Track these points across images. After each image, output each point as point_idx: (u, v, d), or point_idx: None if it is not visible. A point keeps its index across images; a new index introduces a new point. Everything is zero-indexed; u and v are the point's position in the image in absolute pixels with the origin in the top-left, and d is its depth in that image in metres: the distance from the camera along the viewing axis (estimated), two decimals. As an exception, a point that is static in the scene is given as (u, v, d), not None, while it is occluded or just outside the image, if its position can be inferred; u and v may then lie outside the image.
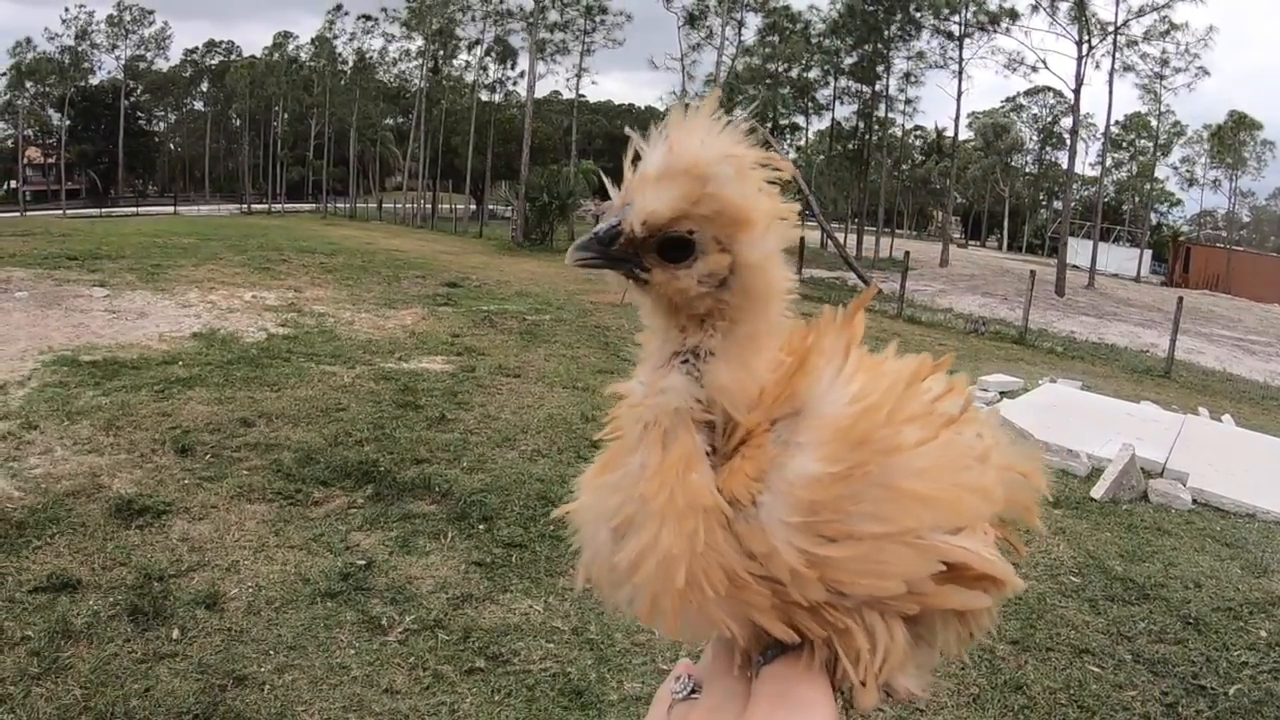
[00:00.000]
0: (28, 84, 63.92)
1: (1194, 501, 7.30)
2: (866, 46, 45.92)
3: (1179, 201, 74.67)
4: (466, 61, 54.44)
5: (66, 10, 64.04)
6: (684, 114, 0.56)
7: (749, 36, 45.92)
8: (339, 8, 62.19)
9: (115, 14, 66.83)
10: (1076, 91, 38.75)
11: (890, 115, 50.36)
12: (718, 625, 0.55)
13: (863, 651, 0.55)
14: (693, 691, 0.62)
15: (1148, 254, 59.59)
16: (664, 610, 0.54)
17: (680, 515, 0.53)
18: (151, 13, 68.95)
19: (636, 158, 0.57)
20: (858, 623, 0.55)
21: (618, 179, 0.58)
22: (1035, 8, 40.95)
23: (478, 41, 51.84)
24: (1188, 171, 65.40)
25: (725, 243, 0.56)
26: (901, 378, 0.58)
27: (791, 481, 0.53)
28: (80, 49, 65.12)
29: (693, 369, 0.57)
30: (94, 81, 68.60)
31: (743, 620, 0.55)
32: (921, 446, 0.55)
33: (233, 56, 77.13)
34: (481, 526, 5.59)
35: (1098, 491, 7.18)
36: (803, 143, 56.99)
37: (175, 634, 4.06)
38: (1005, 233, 77.15)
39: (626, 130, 0.59)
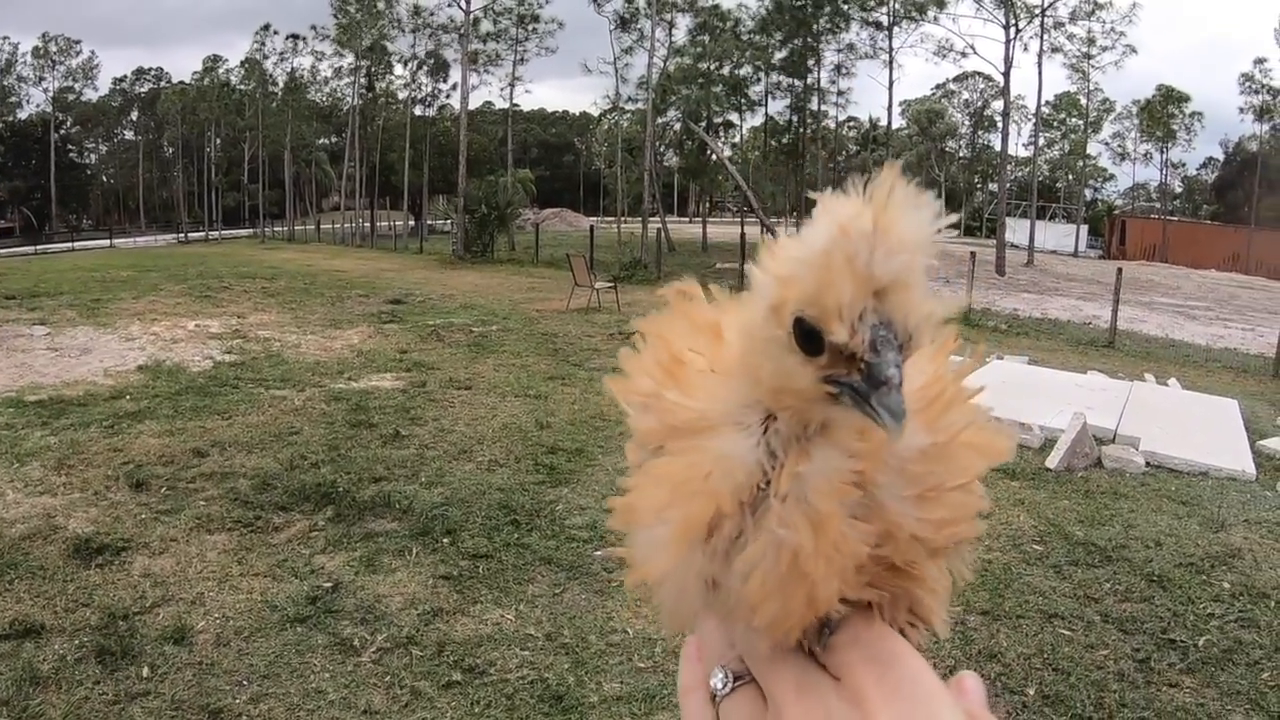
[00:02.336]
0: (-46, 121, 62.39)
1: (1147, 464, 7.45)
2: (796, 41, 46.23)
3: (1112, 176, 76.03)
4: (400, 77, 54.00)
5: (-10, 42, 62.53)
6: (880, 188, 0.47)
7: (680, 37, 46.02)
8: (267, 27, 61.34)
9: (41, 45, 65.43)
10: (1006, 75, 39.29)
11: (823, 108, 50.74)
12: (827, 610, 0.53)
13: (937, 592, 0.57)
14: (737, 679, 0.59)
15: (1084, 229, 60.66)
16: (793, 624, 0.52)
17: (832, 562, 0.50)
18: (78, 42, 67.61)
19: (832, 251, 0.47)
20: (927, 571, 0.55)
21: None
22: (960, -7, 41.49)
23: (413, 57, 51.40)
24: (1119, 147, 66.57)
25: None
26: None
27: (904, 458, 0.52)
28: (6, 83, 63.61)
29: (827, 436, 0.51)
30: (22, 116, 67.09)
31: (839, 597, 0.52)
32: (969, 400, 0.55)
33: (163, 83, 75.61)
34: (445, 540, 5.55)
35: (1052, 461, 7.30)
36: (738, 140, 57.27)
37: (145, 672, 3.98)
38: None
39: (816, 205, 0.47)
